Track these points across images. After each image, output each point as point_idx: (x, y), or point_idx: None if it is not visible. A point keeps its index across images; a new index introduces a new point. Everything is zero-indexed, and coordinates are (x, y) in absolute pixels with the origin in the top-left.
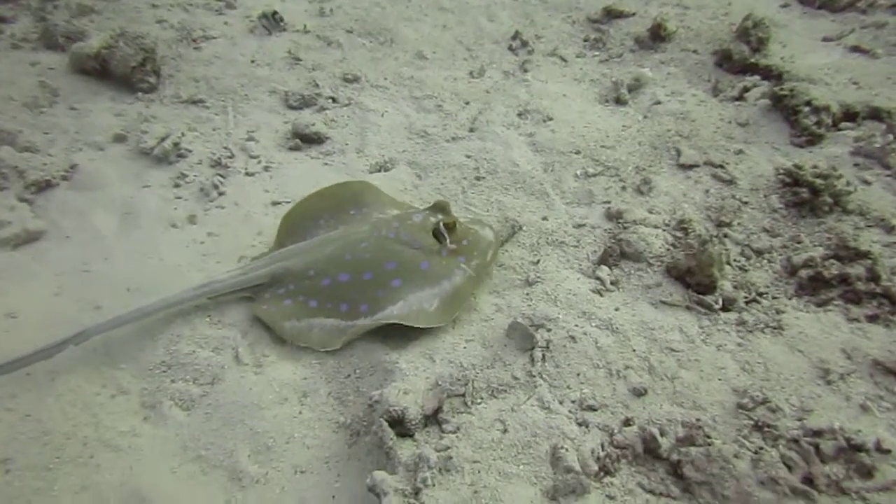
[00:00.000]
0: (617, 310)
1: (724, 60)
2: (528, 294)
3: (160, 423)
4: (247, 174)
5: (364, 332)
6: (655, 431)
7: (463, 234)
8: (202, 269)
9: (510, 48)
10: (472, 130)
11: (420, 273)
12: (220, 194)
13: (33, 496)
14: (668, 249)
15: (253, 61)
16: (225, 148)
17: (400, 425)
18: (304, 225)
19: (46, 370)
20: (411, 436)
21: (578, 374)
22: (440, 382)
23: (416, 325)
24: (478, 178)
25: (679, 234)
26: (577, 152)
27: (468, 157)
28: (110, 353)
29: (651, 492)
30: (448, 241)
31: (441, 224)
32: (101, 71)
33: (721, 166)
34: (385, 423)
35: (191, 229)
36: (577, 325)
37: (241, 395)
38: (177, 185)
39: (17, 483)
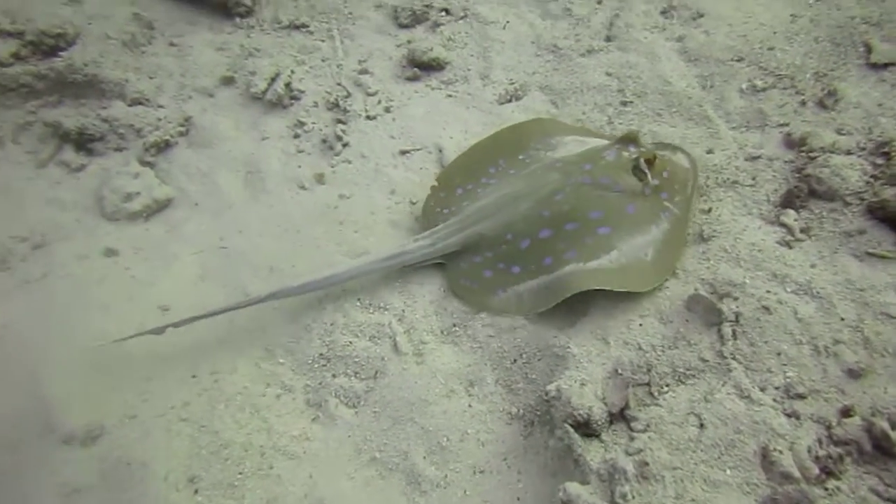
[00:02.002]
0: (813, 267)
1: None
2: (703, 253)
3: (329, 424)
4: (367, 118)
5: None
6: (885, 425)
7: (661, 167)
8: (341, 242)
9: None
10: (609, 39)
11: (628, 218)
12: (345, 146)
13: None
14: (868, 182)
15: None
16: (339, 84)
17: (585, 427)
18: (470, 177)
19: (209, 370)
20: (597, 436)
21: (779, 354)
22: (620, 371)
23: (638, 289)
24: (624, 103)
25: (880, 160)
26: (740, 59)
27: (609, 74)
28: (267, 347)
29: (890, 500)
30: (650, 177)
31: (641, 160)
32: None
33: None
34: (571, 430)
35: (320, 190)
36: (769, 292)
37: (406, 389)
38: (296, 136)
39: None
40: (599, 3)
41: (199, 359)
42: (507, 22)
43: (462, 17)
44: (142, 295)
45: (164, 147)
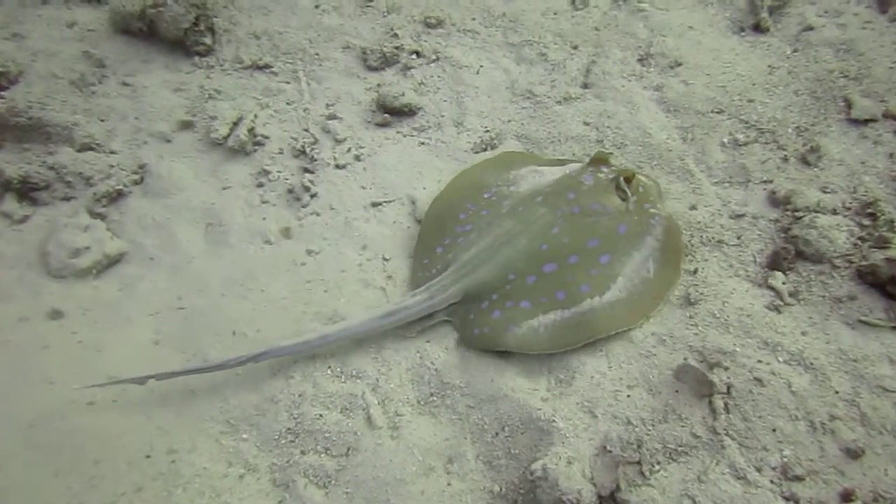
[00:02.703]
0: (804, 334)
1: None
2: (691, 317)
3: None
4: (337, 166)
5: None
6: None
7: (637, 181)
8: (309, 303)
9: None
10: (585, 86)
11: (622, 240)
12: (313, 197)
13: None
14: (856, 245)
15: (317, 6)
16: (305, 130)
17: None
18: (444, 233)
19: (165, 449)
20: None
21: (774, 430)
22: (609, 448)
23: (651, 311)
24: None
25: (866, 221)
26: (720, 111)
27: (587, 124)
28: (229, 421)
29: None
30: (630, 194)
31: (621, 179)
32: (149, 32)
33: None
34: None
35: (287, 246)
36: (760, 362)
37: (381, 467)
38: (260, 185)
39: None
40: (575, 48)
41: (154, 435)
42: (481, 66)
43: (434, 61)
44: (90, 363)
45: (116, 197)
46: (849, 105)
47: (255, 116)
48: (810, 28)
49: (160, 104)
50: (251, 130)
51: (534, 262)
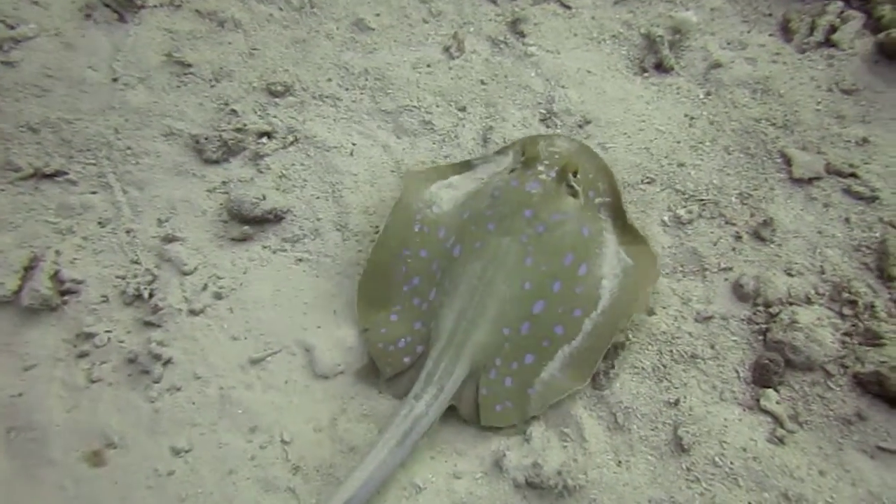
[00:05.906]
0: (823, 475)
1: None
2: (689, 470)
3: None
4: (192, 312)
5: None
6: None
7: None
8: None
9: None
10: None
11: (589, 242)
12: (166, 364)
13: None
14: (845, 343)
15: (115, 79)
16: (135, 262)
17: None
18: (393, 297)
19: None
20: None
21: None
22: None
23: (651, 285)
24: None
25: (847, 310)
26: (650, 181)
27: None
28: None
29: None
30: (579, 188)
31: (570, 177)
32: None
33: (852, 174)
34: None
35: (140, 447)
36: None
37: None
38: (84, 356)
39: None
40: (463, 110)
41: None
42: (354, 144)
43: (292, 143)
44: None
45: None
46: (788, 161)
47: (57, 253)
48: (718, 65)
49: None
50: (54, 275)
51: (522, 307)
